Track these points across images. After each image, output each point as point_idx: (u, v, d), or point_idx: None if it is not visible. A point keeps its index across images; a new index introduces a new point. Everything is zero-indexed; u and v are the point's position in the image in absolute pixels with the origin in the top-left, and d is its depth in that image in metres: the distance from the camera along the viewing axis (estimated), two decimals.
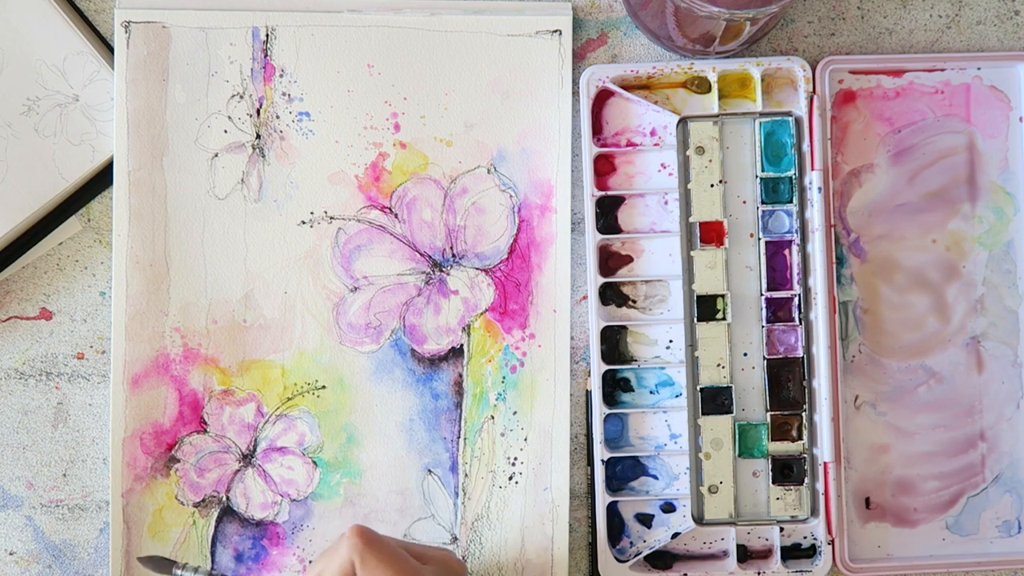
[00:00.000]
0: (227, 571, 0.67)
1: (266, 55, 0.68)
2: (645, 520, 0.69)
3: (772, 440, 0.68)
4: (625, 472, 0.69)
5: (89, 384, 0.68)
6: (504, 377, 0.68)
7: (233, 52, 0.68)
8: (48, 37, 0.67)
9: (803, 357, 0.68)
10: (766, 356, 0.68)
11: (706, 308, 0.68)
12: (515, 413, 0.68)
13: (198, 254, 0.68)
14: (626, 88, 0.69)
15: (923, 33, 0.70)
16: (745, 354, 0.69)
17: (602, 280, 0.68)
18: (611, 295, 0.69)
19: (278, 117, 0.68)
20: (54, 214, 0.68)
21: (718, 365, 0.68)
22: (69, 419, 0.68)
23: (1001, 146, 0.70)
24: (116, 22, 0.67)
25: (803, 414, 0.68)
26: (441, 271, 0.69)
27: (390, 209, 0.69)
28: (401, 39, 0.68)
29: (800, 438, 0.68)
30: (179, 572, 0.62)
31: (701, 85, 0.69)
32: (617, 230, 0.69)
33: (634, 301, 0.69)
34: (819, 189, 0.68)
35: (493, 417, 0.68)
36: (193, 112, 0.68)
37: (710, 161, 0.68)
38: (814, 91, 0.68)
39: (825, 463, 0.68)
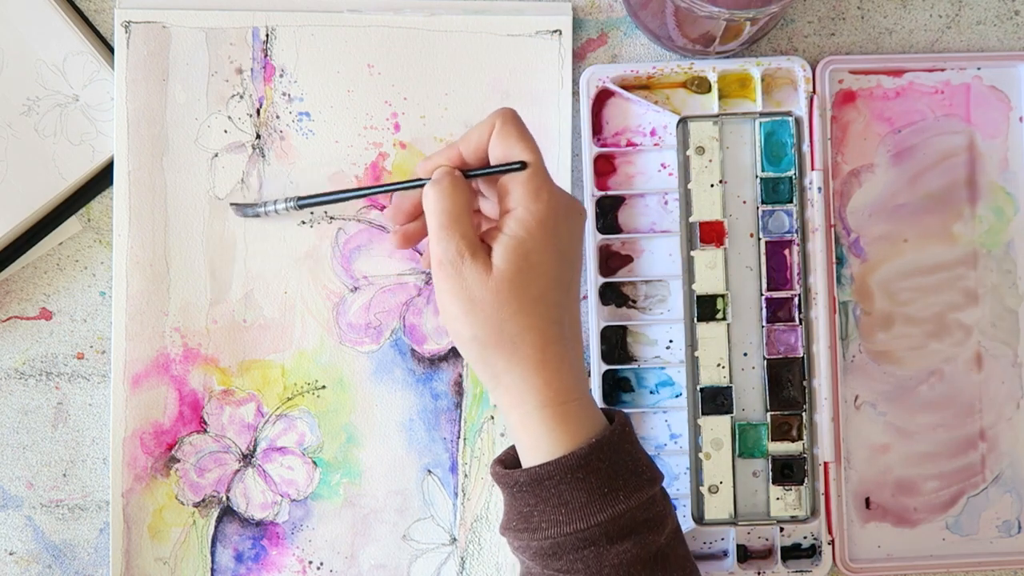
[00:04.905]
0: (227, 572, 0.67)
1: (266, 55, 0.68)
2: None
3: (772, 440, 0.68)
4: None
5: (89, 384, 0.68)
6: None
7: (233, 52, 0.68)
8: (48, 37, 0.67)
9: (803, 357, 0.68)
10: (766, 356, 0.68)
11: (706, 308, 0.68)
12: None
13: (198, 254, 0.68)
14: (626, 88, 0.69)
15: (923, 33, 0.70)
16: (745, 354, 0.69)
17: (602, 280, 0.68)
18: (611, 295, 0.69)
19: (278, 117, 0.68)
20: (54, 214, 0.68)
21: (718, 365, 0.68)
22: (69, 419, 0.68)
23: (1001, 146, 0.70)
24: (116, 22, 0.67)
25: (803, 414, 0.68)
26: None
27: None
28: (401, 39, 0.68)
29: (800, 438, 0.68)
30: (262, 210, 0.66)
31: (701, 85, 0.69)
32: (617, 230, 0.69)
33: (634, 301, 0.69)
34: (819, 189, 0.68)
35: (493, 417, 0.68)
36: (193, 112, 0.68)
37: (710, 161, 0.68)
38: (814, 91, 0.68)
39: (825, 463, 0.68)
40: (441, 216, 0.55)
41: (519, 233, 0.55)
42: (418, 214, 0.61)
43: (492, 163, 0.57)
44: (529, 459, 0.55)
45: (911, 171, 0.70)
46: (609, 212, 0.69)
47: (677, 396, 0.69)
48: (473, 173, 0.57)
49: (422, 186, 0.58)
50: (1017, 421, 0.70)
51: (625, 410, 0.68)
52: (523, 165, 0.56)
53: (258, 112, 0.68)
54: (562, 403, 0.55)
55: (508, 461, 0.57)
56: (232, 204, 0.67)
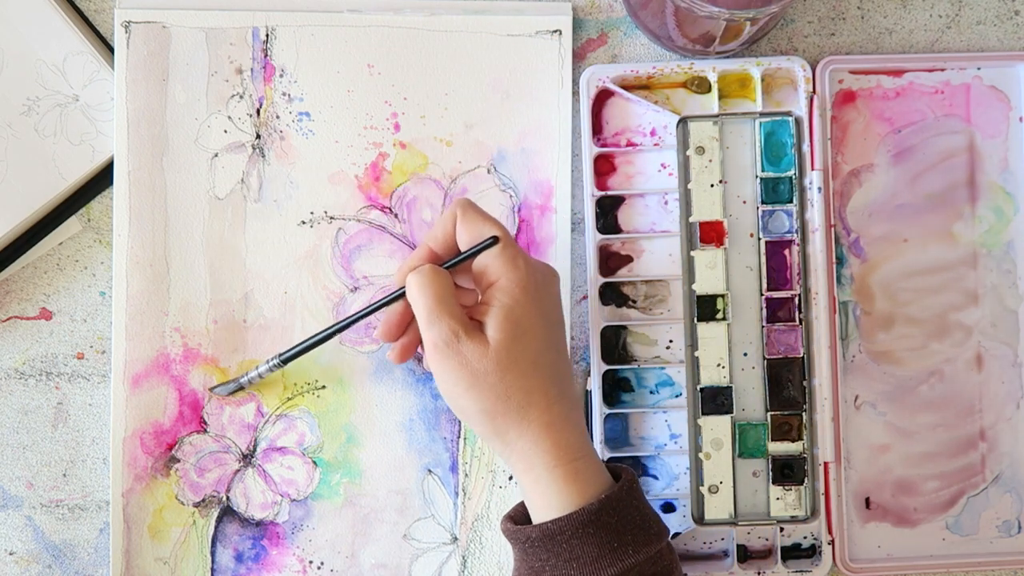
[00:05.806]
0: (227, 572, 0.67)
1: (266, 55, 0.68)
2: None
3: (772, 440, 0.68)
4: None
5: (89, 384, 0.68)
6: None
7: (233, 52, 0.68)
8: (48, 37, 0.67)
9: (803, 357, 0.68)
10: (766, 356, 0.68)
11: (706, 308, 0.68)
12: None
13: (198, 254, 0.68)
14: (626, 88, 0.69)
15: (923, 33, 0.70)
16: (745, 354, 0.69)
17: (602, 280, 0.68)
18: (611, 295, 0.69)
19: (278, 117, 0.68)
20: (54, 214, 0.68)
21: (718, 365, 0.68)
22: (69, 419, 0.68)
23: (1001, 146, 0.70)
24: (116, 22, 0.67)
25: (803, 414, 0.68)
26: None
27: (390, 209, 0.69)
28: (401, 39, 0.69)
29: (800, 438, 0.68)
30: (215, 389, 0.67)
31: (701, 85, 0.69)
32: (617, 230, 0.69)
33: (634, 301, 0.69)
34: (819, 189, 0.68)
35: None
36: (193, 112, 0.68)
37: (710, 161, 0.68)
38: (814, 91, 0.68)
39: (825, 463, 0.68)
40: (428, 300, 0.57)
41: (506, 302, 0.57)
42: (407, 324, 0.62)
43: (463, 249, 0.59)
44: (540, 516, 0.57)
45: (911, 171, 0.70)
46: (609, 212, 0.69)
47: (677, 396, 0.69)
48: (451, 263, 0.60)
49: (404, 296, 0.60)
50: (1017, 421, 0.70)
51: (625, 410, 0.68)
52: (495, 240, 0.58)
53: (258, 112, 0.68)
54: (571, 461, 0.56)
55: (518, 517, 0.59)
56: (210, 389, 0.67)
